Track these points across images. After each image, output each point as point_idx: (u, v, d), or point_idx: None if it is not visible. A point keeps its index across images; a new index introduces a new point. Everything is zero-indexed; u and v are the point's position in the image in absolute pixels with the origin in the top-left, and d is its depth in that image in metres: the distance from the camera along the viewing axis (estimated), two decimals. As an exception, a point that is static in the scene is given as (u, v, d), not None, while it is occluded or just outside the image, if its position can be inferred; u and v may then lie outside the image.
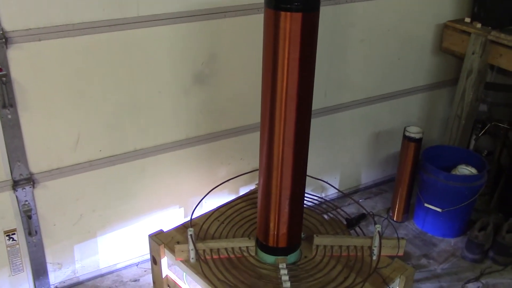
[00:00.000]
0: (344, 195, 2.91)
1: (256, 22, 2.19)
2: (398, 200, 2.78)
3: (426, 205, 2.65)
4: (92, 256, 2.26)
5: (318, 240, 1.97)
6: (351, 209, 2.83)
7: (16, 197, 1.95)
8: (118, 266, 2.35)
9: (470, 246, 2.52)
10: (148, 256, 2.33)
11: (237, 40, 2.22)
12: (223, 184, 2.39)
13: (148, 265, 2.36)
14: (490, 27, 2.62)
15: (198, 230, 2.07)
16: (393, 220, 2.82)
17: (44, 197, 2.02)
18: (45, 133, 1.93)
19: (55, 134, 1.95)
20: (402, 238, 1.99)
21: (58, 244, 2.15)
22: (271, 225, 1.87)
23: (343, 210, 2.26)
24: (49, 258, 2.15)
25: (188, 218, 2.17)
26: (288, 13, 1.54)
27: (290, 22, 1.55)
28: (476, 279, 2.41)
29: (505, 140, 2.99)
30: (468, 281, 2.39)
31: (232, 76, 2.28)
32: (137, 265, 2.39)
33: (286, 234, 1.88)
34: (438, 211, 2.62)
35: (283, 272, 1.81)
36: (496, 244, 2.51)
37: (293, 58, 1.60)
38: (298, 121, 1.68)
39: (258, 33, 2.15)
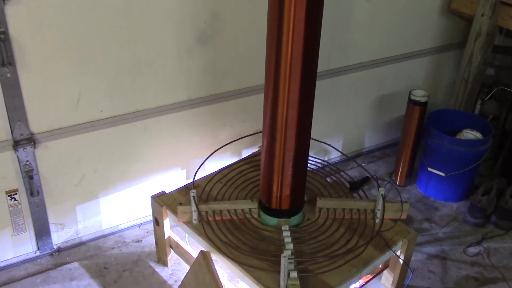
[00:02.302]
0: (348, 159, 2.90)
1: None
2: (401, 164, 2.76)
3: (429, 169, 2.63)
4: (94, 217, 2.26)
5: (321, 202, 1.96)
6: (354, 173, 2.82)
7: (17, 157, 1.93)
8: (121, 227, 2.35)
9: (472, 210, 2.51)
10: (151, 218, 2.34)
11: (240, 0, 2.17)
12: (225, 147, 2.37)
13: (151, 226, 2.37)
14: (500, -12, 2.55)
15: (201, 191, 2.06)
16: (396, 184, 2.81)
17: (45, 158, 2.00)
18: (45, 93, 1.90)
19: (56, 94, 1.92)
20: (406, 201, 1.98)
21: (60, 205, 2.14)
22: (274, 187, 1.86)
23: (346, 173, 2.25)
24: (51, 219, 2.15)
25: (191, 180, 2.16)
26: (295, -31, 1.49)
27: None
28: (478, 243, 2.41)
29: (511, 105, 2.96)
30: (470, 245, 2.39)
31: (235, 36, 2.23)
32: (139, 226, 2.39)
33: (289, 196, 1.87)
34: (441, 175, 2.60)
35: (286, 234, 1.81)
36: (499, 209, 2.50)
37: (299, 17, 1.55)
38: (303, 82, 1.65)
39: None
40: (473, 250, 2.37)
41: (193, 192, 1.87)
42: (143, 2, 1.95)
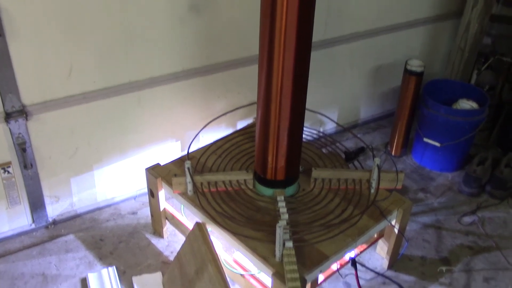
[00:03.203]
0: (343, 129, 2.89)
1: None
2: (397, 134, 2.75)
3: (425, 139, 2.63)
4: (89, 190, 2.26)
5: (316, 173, 1.96)
6: (349, 144, 2.81)
7: (10, 129, 1.91)
8: (116, 200, 2.35)
9: (467, 180, 2.52)
10: (146, 190, 2.33)
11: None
12: (220, 118, 2.35)
13: (146, 198, 2.37)
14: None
15: (196, 163, 2.05)
16: (391, 154, 2.81)
17: (38, 130, 1.98)
18: (36, 64, 1.87)
19: (47, 64, 1.89)
20: (401, 171, 1.98)
21: (55, 177, 2.13)
22: (269, 158, 1.85)
23: (341, 144, 2.24)
24: (46, 191, 2.14)
25: (185, 152, 2.15)
26: None
27: None
28: (472, 212, 2.42)
29: (508, 75, 2.94)
30: (464, 215, 2.40)
31: (229, 5, 2.19)
32: (134, 198, 2.39)
33: (284, 167, 1.86)
34: (437, 145, 2.60)
35: (281, 204, 1.81)
36: (494, 178, 2.51)
37: (293, -17, 1.52)
38: (298, 51, 1.62)
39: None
40: (467, 219, 2.38)
41: (187, 164, 1.85)
42: (134, -30, 1.91)
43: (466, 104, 2.62)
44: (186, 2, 2.07)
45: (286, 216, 1.74)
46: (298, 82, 1.70)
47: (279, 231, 1.60)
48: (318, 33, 2.47)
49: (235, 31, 2.27)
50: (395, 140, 2.77)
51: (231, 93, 2.44)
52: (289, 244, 1.64)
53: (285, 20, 1.57)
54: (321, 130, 2.88)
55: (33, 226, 2.17)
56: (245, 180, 1.94)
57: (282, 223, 1.62)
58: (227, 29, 2.24)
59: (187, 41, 2.17)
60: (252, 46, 2.34)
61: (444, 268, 2.10)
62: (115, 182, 2.32)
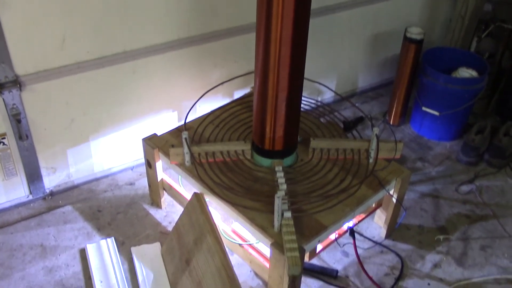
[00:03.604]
0: (341, 98, 2.86)
1: None
2: (395, 103, 2.73)
3: (424, 108, 2.61)
4: (86, 160, 2.24)
5: (314, 143, 1.94)
6: (347, 113, 2.79)
7: (3, 100, 1.88)
8: (113, 170, 2.34)
9: (465, 149, 2.51)
10: (143, 161, 2.32)
11: None
12: (217, 88, 2.32)
13: (143, 169, 2.36)
14: None
15: (193, 133, 2.04)
16: (390, 124, 2.79)
17: (32, 101, 1.95)
18: (29, 33, 1.82)
19: (40, 34, 1.84)
20: (400, 141, 1.96)
21: (51, 149, 2.11)
22: (267, 128, 1.83)
23: (340, 113, 2.22)
24: (42, 163, 2.12)
25: (182, 122, 2.13)
26: None
27: None
28: (470, 181, 2.42)
29: (508, 42, 2.90)
30: (462, 184, 2.40)
31: (225, -28, 2.14)
32: (131, 169, 2.37)
33: (282, 137, 1.85)
34: (435, 114, 2.58)
35: (279, 174, 1.80)
36: (492, 147, 2.50)
37: None
38: (296, 18, 1.58)
39: None
40: (465, 188, 2.39)
41: (185, 134, 1.83)
42: None
43: (465, 72, 2.59)
44: (181, -32, 2.02)
45: (284, 186, 1.73)
46: (297, 51, 1.67)
47: (277, 202, 1.59)
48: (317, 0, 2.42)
49: (231, -2, 2.23)
50: (394, 109, 2.75)
51: (228, 62, 2.40)
52: (288, 214, 1.64)
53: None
54: (319, 99, 2.85)
55: (30, 197, 2.16)
56: (243, 151, 1.93)
57: (280, 194, 1.61)
58: (223, -4, 2.20)
59: (183, 9, 2.12)
60: (248, 14, 2.30)
61: (441, 237, 2.11)
62: (112, 152, 2.30)
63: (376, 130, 1.90)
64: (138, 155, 2.37)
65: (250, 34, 2.35)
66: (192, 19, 2.17)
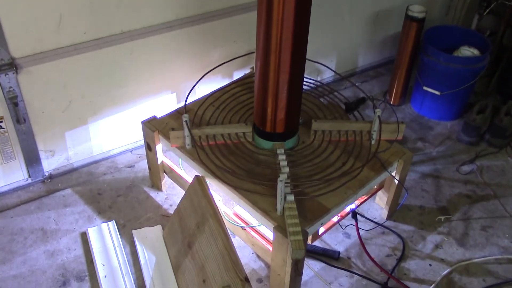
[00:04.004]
0: (342, 78, 2.83)
1: None
2: (396, 83, 2.71)
3: (425, 88, 2.59)
4: (84, 143, 2.22)
5: (316, 125, 1.92)
6: (347, 93, 2.77)
7: (0, 83, 1.85)
8: (112, 153, 2.32)
9: (466, 129, 2.50)
10: (142, 143, 2.30)
11: None
12: (216, 69, 2.29)
13: (142, 151, 2.34)
14: None
15: (193, 116, 2.01)
16: (390, 103, 2.77)
17: (29, 83, 1.92)
18: (24, 14, 1.78)
19: (35, 15, 1.80)
20: (402, 122, 1.95)
21: (49, 132, 2.09)
22: (269, 110, 1.81)
23: (340, 94, 2.19)
24: (40, 146, 2.10)
25: (181, 104, 2.11)
26: None
27: None
28: (471, 161, 2.42)
29: (510, 19, 2.87)
30: (463, 164, 2.40)
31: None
32: (131, 151, 2.35)
33: (284, 120, 1.82)
34: (436, 94, 2.56)
35: (281, 157, 1.78)
36: (493, 127, 2.49)
37: None
38: (298, -1, 1.55)
39: None
40: (466, 168, 2.38)
41: (185, 117, 1.81)
42: None
43: (467, 51, 2.56)
44: None
45: (286, 169, 1.72)
46: (299, 33, 1.64)
47: (280, 185, 1.58)
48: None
49: (230, -24, 2.18)
50: (394, 89, 2.73)
51: (227, 42, 2.36)
52: (290, 197, 1.62)
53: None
54: (319, 79, 2.82)
55: (29, 180, 2.15)
56: (244, 133, 1.91)
57: (283, 177, 1.60)
58: (222, -26, 2.15)
59: (181, -12, 2.08)
60: (248, -7, 2.26)
61: (442, 217, 2.11)
62: (111, 135, 2.28)
63: (378, 111, 1.88)
64: (137, 137, 2.35)
65: (249, 13, 2.31)
66: (190, -1, 2.13)
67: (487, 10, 2.83)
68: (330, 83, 2.86)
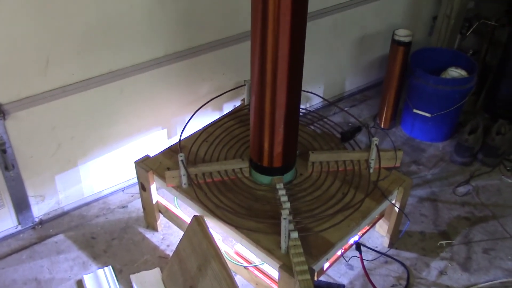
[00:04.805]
0: (330, 104, 2.82)
1: None
2: (385, 106, 2.71)
3: (415, 111, 2.59)
4: (75, 185, 2.15)
5: (313, 156, 1.90)
6: (337, 118, 2.76)
7: (-14, 130, 1.79)
8: (104, 193, 2.25)
9: (459, 149, 2.50)
10: (134, 181, 2.25)
11: None
12: (205, 101, 2.26)
13: (134, 189, 2.28)
14: None
15: (187, 153, 1.97)
16: (381, 127, 2.76)
17: (17, 129, 1.86)
18: (10, 58, 1.73)
19: (22, 58, 1.75)
20: (399, 149, 1.93)
21: (38, 176, 2.02)
22: (266, 145, 1.78)
23: (332, 121, 2.16)
24: (30, 191, 2.03)
25: (173, 140, 2.07)
26: None
27: None
28: (466, 182, 2.41)
29: (492, 38, 2.90)
30: (459, 185, 2.39)
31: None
32: (123, 190, 2.30)
33: (281, 154, 1.79)
34: (427, 116, 2.56)
35: (281, 192, 1.74)
36: (486, 146, 2.49)
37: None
38: (293, 34, 1.53)
39: None
40: (462, 189, 2.37)
41: (181, 156, 1.77)
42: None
43: (454, 72, 2.58)
44: (165, -17, 1.95)
45: (288, 205, 1.68)
46: (294, 65, 1.62)
47: (284, 223, 1.54)
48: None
49: (216, 10, 2.16)
50: (384, 112, 2.72)
51: (216, 75, 2.34)
52: (295, 234, 1.59)
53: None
54: (308, 105, 2.81)
55: (19, 228, 2.07)
56: (241, 169, 1.87)
57: (285, 214, 1.56)
58: (208, 8, 2.13)
59: (168, 24, 2.05)
60: (234, 25, 2.25)
61: (444, 242, 2.09)
62: (102, 175, 2.22)
63: (375, 140, 1.86)
64: (128, 176, 2.30)
65: (237, 45, 2.29)
66: (178, 34, 2.10)
67: (470, 30, 2.86)
68: (319, 109, 2.85)
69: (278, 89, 1.64)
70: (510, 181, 2.43)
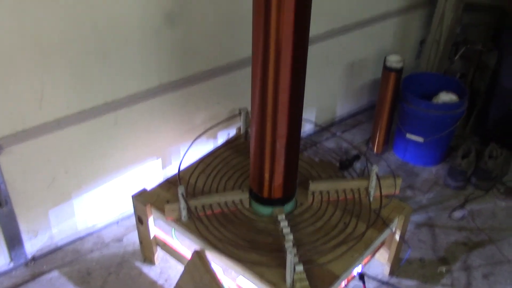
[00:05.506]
0: (323, 129, 2.82)
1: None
2: (378, 132, 2.72)
3: (408, 136, 2.60)
4: (69, 219, 2.10)
5: (313, 186, 1.88)
6: (331, 144, 2.76)
7: (-21, 166, 1.74)
8: (98, 227, 2.20)
9: (453, 173, 2.51)
10: (128, 213, 2.22)
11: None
12: (200, 130, 2.24)
13: (129, 222, 2.24)
14: None
15: (186, 185, 1.94)
16: (374, 151, 2.77)
17: (11, 164, 1.81)
18: (5, 93, 1.69)
19: (16, 92, 1.72)
20: (398, 176, 1.93)
21: (31, 211, 1.97)
22: (266, 175, 1.76)
23: (328, 148, 2.16)
24: (23, 227, 1.97)
25: (168, 170, 2.04)
26: None
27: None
28: (461, 206, 2.42)
29: (478, 63, 2.95)
30: (454, 209, 2.40)
31: (204, 14, 2.07)
32: (117, 223, 2.25)
33: (282, 184, 1.78)
34: (420, 141, 2.58)
35: (283, 224, 1.72)
36: (478, 170, 2.51)
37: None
38: (294, 65, 1.53)
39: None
40: (458, 214, 2.38)
41: (181, 189, 1.74)
42: (104, -16, 1.76)
43: (446, 96, 2.60)
44: (160, 14, 1.94)
45: (290, 237, 1.66)
46: (295, 96, 1.62)
47: (289, 257, 1.52)
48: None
49: (210, 40, 2.15)
50: (377, 138, 2.73)
51: (211, 104, 2.32)
52: (300, 268, 1.56)
53: (279, 33, 1.47)
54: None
55: (11, 265, 2.01)
56: (241, 200, 1.85)
57: (290, 247, 1.54)
58: (202, 38, 2.12)
59: (163, 54, 2.03)
60: (228, 54, 2.25)
61: (443, 268, 2.09)
62: (95, 208, 2.17)
63: (375, 169, 1.86)
64: (123, 208, 2.25)
65: (230, 74, 2.29)
66: (173, 64, 2.09)
67: (458, 55, 2.91)
68: (312, 135, 2.85)
69: (279, 120, 1.63)
70: (504, 204, 2.45)
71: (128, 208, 2.24)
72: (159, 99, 2.12)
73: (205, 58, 2.19)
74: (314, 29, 2.51)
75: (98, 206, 2.17)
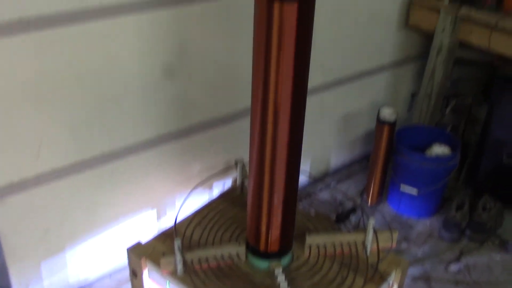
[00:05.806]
0: (317, 181, 2.83)
1: (228, 8, 2.03)
2: (372, 184, 2.73)
3: (402, 188, 2.62)
4: (61, 272, 2.06)
5: (310, 239, 1.87)
6: (325, 195, 2.76)
7: (-28, 218, 1.72)
8: (90, 280, 2.16)
9: (447, 226, 2.52)
10: (121, 266, 2.18)
11: (208, 28, 2.05)
12: (195, 181, 2.24)
13: (121, 275, 2.20)
14: (459, 2, 2.56)
15: (182, 237, 1.92)
16: (368, 204, 2.77)
17: (5, 215, 1.79)
18: (2, 143, 1.70)
19: (14, 142, 1.72)
20: (395, 230, 1.93)
21: (23, 263, 1.94)
22: (263, 229, 1.75)
23: (318, 196, 2.16)
24: (13, 279, 1.93)
25: (162, 220, 2.02)
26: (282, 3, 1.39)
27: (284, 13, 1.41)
28: (457, 259, 2.41)
29: (469, 115, 3.01)
30: (450, 262, 2.39)
31: (203, 66, 2.11)
32: (109, 276, 2.21)
33: (279, 238, 1.77)
34: (414, 193, 2.59)
35: (281, 278, 1.70)
36: (473, 223, 2.52)
37: (287, 53, 1.46)
38: (292, 123, 1.56)
39: (230, 19, 2.01)
40: (454, 267, 2.37)
41: (177, 242, 1.72)
42: (106, 37, 1.80)
43: (439, 149, 2.64)
44: (159, 67, 1.98)
45: (288, 292, 1.64)
46: (293, 152, 1.64)
47: (288, 314, 1.49)
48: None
49: (209, 92, 2.19)
50: (371, 189, 2.75)
51: (207, 154, 2.33)
52: (298, 325, 1.54)
53: (279, 89, 1.50)
54: (295, 182, 2.81)
55: (0, 319, 1.95)
56: (237, 253, 1.83)
57: (288, 303, 1.52)
58: (201, 90, 2.16)
59: (162, 106, 2.06)
60: (226, 106, 2.28)
61: (442, 324, 2.06)
62: (88, 260, 2.14)
63: (372, 222, 1.85)
64: (116, 261, 2.22)
65: (228, 125, 2.32)
66: (171, 115, 2.11)
67: (449, 108, 2.97)
68: (306, 186, 2.86)
69: (277, 175, 1.64)
70: (499, 257, 2.45)
71: (120, 260, 2.21)
72: (156, 150, 2.13)
73: (203, 109, 2.22)
74: (309, 82, 2.58)
75: (91, 259, 2.14)
